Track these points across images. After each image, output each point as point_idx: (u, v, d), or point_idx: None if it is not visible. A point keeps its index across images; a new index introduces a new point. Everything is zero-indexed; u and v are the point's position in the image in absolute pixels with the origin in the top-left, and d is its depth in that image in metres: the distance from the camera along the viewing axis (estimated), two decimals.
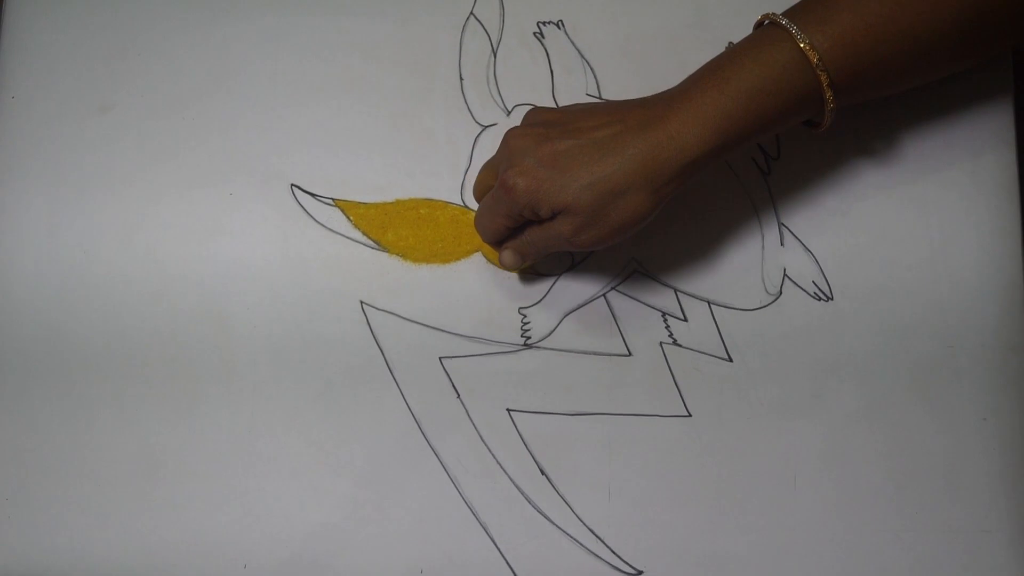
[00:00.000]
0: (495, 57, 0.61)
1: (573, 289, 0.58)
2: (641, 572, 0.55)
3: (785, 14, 0.51)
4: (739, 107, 0.50)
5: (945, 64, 0.54)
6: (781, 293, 0.58)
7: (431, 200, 0.59)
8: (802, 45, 0.50)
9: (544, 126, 0.52)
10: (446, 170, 0.60)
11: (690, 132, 0.50)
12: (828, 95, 0.51)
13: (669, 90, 0.53)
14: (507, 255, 0.56)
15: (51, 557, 0.56)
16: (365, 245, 0.59)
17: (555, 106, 0.57)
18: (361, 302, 0.58)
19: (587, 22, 0.61)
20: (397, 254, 0.59)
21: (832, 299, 0.58)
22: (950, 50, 0.52)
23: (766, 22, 0.52)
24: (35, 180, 0.59)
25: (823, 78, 0.50)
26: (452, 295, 0.58)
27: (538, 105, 0.59)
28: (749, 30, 0.53)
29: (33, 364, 0.57)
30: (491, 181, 0.55)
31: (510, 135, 0.53)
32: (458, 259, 0.59)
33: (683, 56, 0.60)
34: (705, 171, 0.51)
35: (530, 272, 0.58)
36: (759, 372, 0.57)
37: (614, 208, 0.51)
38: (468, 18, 0.61)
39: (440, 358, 0.58)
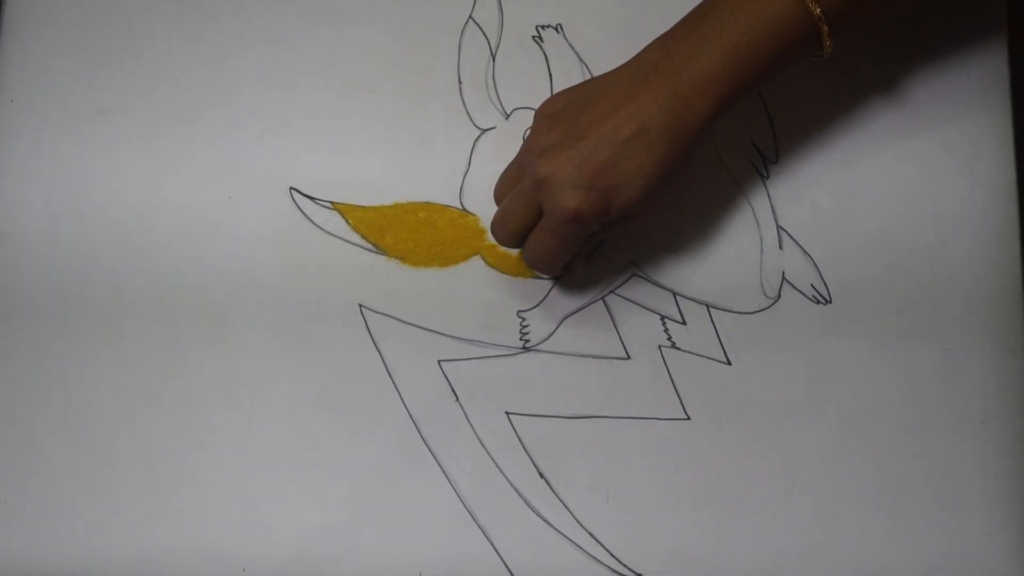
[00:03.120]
0: (494, 61, 0.61)
1: (572, 292, 0.58)
2: (640, 575, 0.55)
3: None
4: (740, 34, 0.50)
5: None
6: (780, 296, 0.58)
7: (430, 204, 0.59)
8: None
9: (564, 137, 0.52)
10: (445, 174, 0.60)
11: (704, 92, 0.50)
12: (815, 11, 0.50)
13: (670, 44, 0.52)
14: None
15: (49, 560, 0.55)
16: (364, 248, 0.59)
17: (552, 101, 0.55)
18: (360, 305, 0.58)
19: (586, 26, 0.61)
20: (396, 257, 0.59)
21: (830, 302, 0.58)
22: None
23: None
24: (33, 183, 0.59)
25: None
26: (451, 298, 0.58)
27: (536, 109, 0.59)
28: None
29: (32, 368, 0.57)
30: (511, 186, 0.55)
31: (539, 161, 0.51)
32: (457, 262, 0.59)
33: None
34: (723, 111, 0.51)
35: (530, 275, 0.58)
36: (757, 375, 0.57)
37: (669, 188, 0.52)
38: (467, 22, 0.62)
39: (439, 361, 0.58)
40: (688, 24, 0.52)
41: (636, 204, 0.51)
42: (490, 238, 0.59)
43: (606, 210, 0.51)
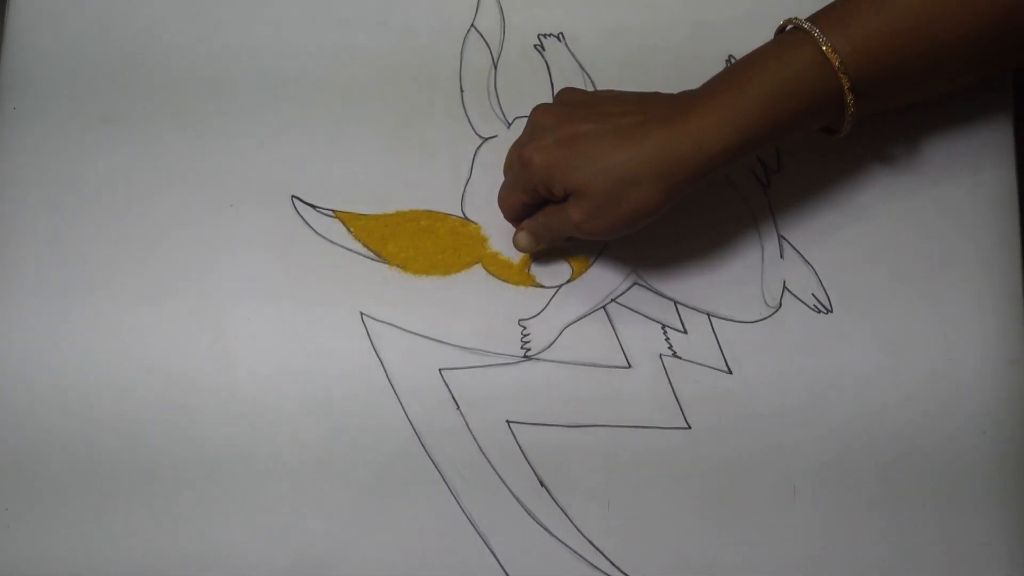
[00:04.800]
0: (496, 69, 0.61)
1: (573, 301, 0.58)
2: None
3: (808, 19, 0.52)
4: (758, 108, 0.50)
5: (966, 73, 0.54)
6: (781, 305, 0.58)
7: (431, 212, 0.59)
8: (824, 48, 0.50)
9: (571, 106, 0.54)
10: (446, 182, 0.60)
11: (709, 130, 0.50)
12: (849, 99, 0.51)
13: (695, 89, 0.53)
14: (520, 236, 0.57)
15: (50, 567, 0.56)
16: (365, 256, 0.59)
17: (587, 88, 0.58)
18: (361, 313, 0.58)
19: (588, 35, 0.61)
20: (397, 265, 0.59)
21: (832, 311, 0.58)
22: (971, 59, 0.52)
23: (788, 27, 0.53)
24: (36, 191, 0.59)
25: (844, 81, 0.50)
26: (452, 307, 0.58)
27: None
28: (748, 44, 0.53)
29: (31, 371, 0.57)
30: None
31: (536, 110, 0.54)
32: (458, 271, 0.59)
33: (683, 69, 0.59)
34: (722, 171, 0.51)
35: (531, 284, 0.59)
36: (759, 384, 0.57)
37: (625, 197, 0.51)
38: (469, 30, 0.62)
39: (440, 369, 0.58)
40: (710, 86, 0.52)
41: (579, 185, 0.51)
42: (491, 247, 0.59)
43: (552, 172, 0.52)
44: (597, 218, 0.52)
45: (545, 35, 0.62)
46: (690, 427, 0.57)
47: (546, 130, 0.53)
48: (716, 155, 0.50)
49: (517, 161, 0.54)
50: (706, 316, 0.58)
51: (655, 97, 0.53)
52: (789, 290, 0.58)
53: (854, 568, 0.56)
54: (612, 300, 0.58)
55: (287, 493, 0.56)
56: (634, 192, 0.51)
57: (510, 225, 0.59)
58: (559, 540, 0.56)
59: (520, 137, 0.56)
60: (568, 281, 0.59)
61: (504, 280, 0.59)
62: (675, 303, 0.58)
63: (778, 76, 0.51)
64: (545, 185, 0.53)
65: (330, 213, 0.59)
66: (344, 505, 0.56)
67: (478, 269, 0.59)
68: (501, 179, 0.59)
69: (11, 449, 0.57)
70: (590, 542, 0.56)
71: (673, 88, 0.54)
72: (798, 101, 0.51)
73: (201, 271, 0.58)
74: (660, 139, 0.50)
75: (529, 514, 0.56)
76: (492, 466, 0.57)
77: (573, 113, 0.53)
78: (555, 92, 0.61)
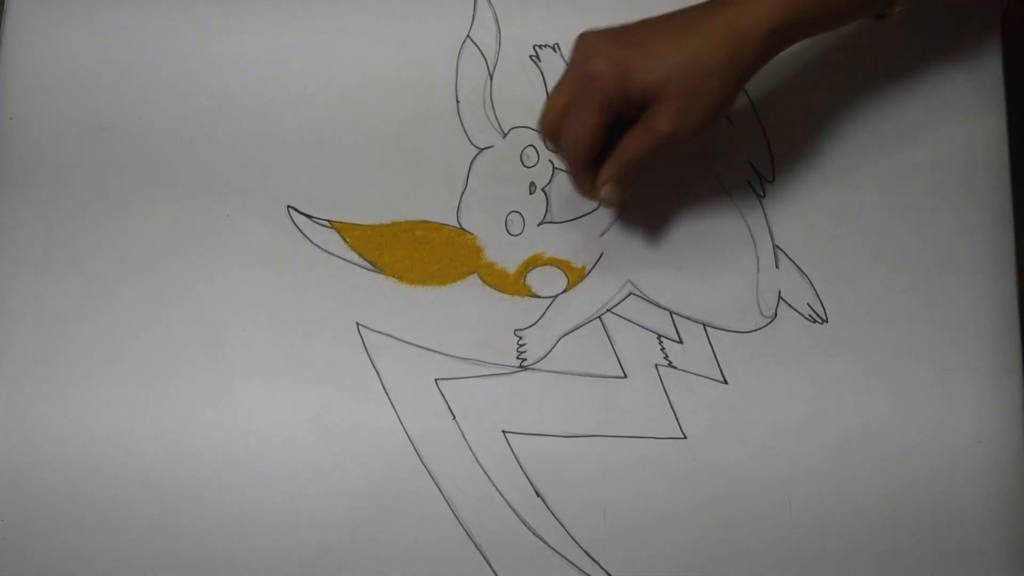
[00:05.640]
0: (491, 80, 0.61)
1: (569, 311, 0.58)
2: None
3: None
4: None
5: None
6: (776, 315, 0.58)
7: (427, 222, 0.60)
8: None
9: (612, 27, 0.51)
10: (442, 192, 0.60)
11: (766, 4, 0.49)
12: None
13: None
14: (607, 189, 0.53)
15: None
16: (361, 267, 0.59)
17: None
18: (357, 323, 0.58)
19: None
20: (393, 276, 0.59)
21: (827, 321, 0.58)
22: None
23: None
24: (33, 200, 0.59)
25: None
26: (448, 317, 0.58)
27: (533, 128, 0.59)
28: None
29: (30, 383, 0.57)
30: (564, 100, 0.53)
31: (582, 35, 0.52)
32: (454, 281, 0.59)
33: None
34: (782, 48, 0.50)
35: (527, 294, 0.59)
36: (754, 394, 0.58)
37: (705, 88, 0.49)
38: (465, 41, 0.62)
39: (436, 380, 0.58)
40: None
41: (659, 85, 0.49)
42: (487, 257, 0.59)
43: (626, 74, 0.49)
44: (687, 117, 0.50)
45: (541, 46, 0.62)
46: (686, 437, 0.57)
47: (601, 42, 0.50)
48: (777, 26, 0.49)
49: (581, 81, 0.51)
50: (701, 326, 0.58)
51: (695, 5, 0.51)
52: (784, 300, 0.59)
53: None
54: (608, 310, 0.59)
55: (283, 504, 0.56)
56: (711, 81, 0.49)
57: (506, 235, 0.59)
58: (555, 551, 0.56)
59: (571, 66, 0.52)
60: (564, 291, 0.59)
61: (500, 290, 0.59)
62: (671, 313, 0.58)
63: None
64: (621, 92, 0.50)
65: (326, 223, 0.59)
66: (340, 516, 0.56)
67: (474, 279, 0.59)
68: (497, 189, 0.59)
69: (7, 460, 0.56)
70: (586, 552, 0.56)
71: None
72: None
73: (197, 281, 0.58)
74: (720, 21, 0.49)
75: (525, 524, 0.56)
76: (488, 476, 0.57)
77: (622, 26, 0.51)
78: None
